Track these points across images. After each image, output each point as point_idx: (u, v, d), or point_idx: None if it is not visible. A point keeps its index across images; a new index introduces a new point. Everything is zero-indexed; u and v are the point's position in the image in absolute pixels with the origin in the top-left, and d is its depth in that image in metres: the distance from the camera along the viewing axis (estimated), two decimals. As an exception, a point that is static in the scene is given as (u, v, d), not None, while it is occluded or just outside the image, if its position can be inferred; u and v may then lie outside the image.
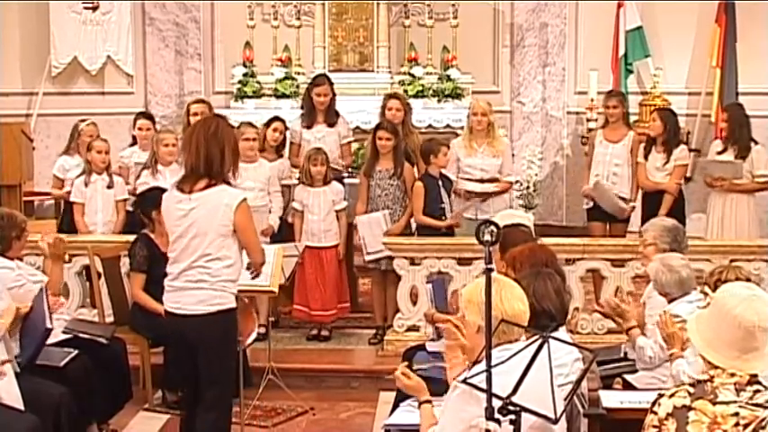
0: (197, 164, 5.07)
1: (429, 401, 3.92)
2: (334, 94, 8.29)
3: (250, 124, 8.09)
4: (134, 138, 8.59)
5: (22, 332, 5.51)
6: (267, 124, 8.18)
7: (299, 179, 7.99)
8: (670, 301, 5.31)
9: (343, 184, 8.14)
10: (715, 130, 8.54)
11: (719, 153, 8.40)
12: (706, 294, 4.50)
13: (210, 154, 5.04)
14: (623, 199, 8.33)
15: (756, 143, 8.44)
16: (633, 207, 8.41)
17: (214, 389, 5.17)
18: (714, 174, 8.30)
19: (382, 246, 7.62)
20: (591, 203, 8.48)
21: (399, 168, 7.78)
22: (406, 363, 4.39)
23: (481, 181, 7.95)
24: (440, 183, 7.73)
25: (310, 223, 7.84)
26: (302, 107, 8.51)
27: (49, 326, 5.46)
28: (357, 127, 8.82)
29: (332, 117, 8.25)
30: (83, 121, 8.76)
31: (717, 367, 3.22)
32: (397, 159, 7.79)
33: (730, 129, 8.34)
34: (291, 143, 8.31)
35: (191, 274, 5.09)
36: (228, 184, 5.12)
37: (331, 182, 7.89)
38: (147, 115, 8.90)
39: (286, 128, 8.22)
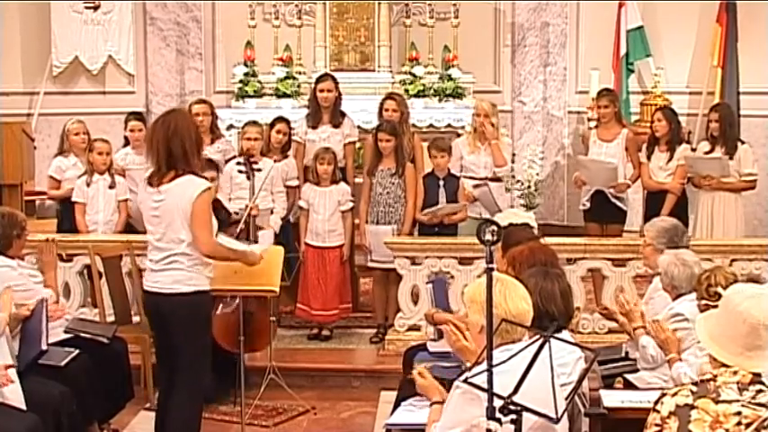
0: (160, 162, 5.33)
1: (440, 402, 3.93)
2: (340, 94, 8.29)
3: (254, 123, 8.08)
4: (126, 139, 8.59)
5: (21, 335, 5.52)
6: (271, 125, 8.18)
7: (306, 178, 7.98)
8: (675, 298, 5.31)
9: (348, 182, 8.14)
10: (707, 129, 8.56)
11: (707, 153, 8.41)
12: (719, 295, 4.51)
13: (174, 152, 5.29)
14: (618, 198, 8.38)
15: (743, 142, 8.46)
16: (629, 185, 8.45)
17: (191, 371, 5.38)
18: (701, 171, 8.32)
19: (387, 257, 7.68)
20: (587, 204, 8.51)
21: (401, 168, 7.80)
22: (425, 364, 4.40)
23: (485, 179, 8.02)
24: (440, 183, 7.75)
25: (315, 222, 7.85)
26: (308, 107, 8.49)
27: (44, 347, 5.50)
28: (358, 126, 8.82)
29: (337, 118, 8.25)
30: (70, 120, 8.73)
31: (720, 366, 3.23)
32: (398, 159, 7.81)
33: (722, 128, 8.34)
34: (296, 142, 8.30)
35: (169, 258, 5.33)
36: (195, 173, 5.35)
37: (339, 182, 7.89)
38: (139, 116, 8.88)
39: (290, 128, 8.21)
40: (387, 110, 8.13)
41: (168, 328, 5.37)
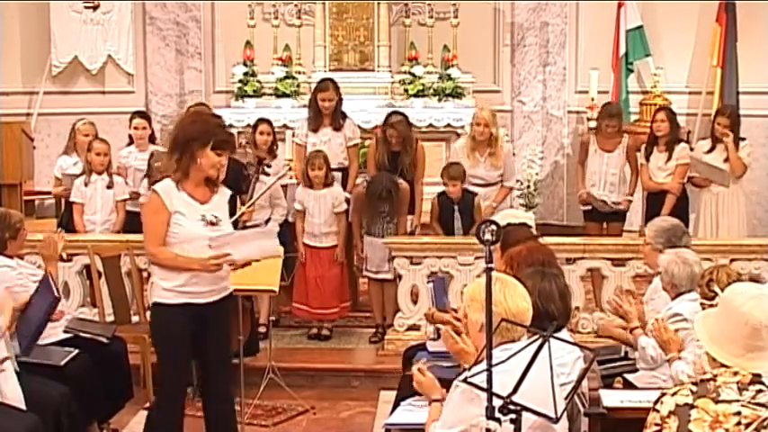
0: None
1: (439, 400, 3.93)
2: (341, 98, 8.23)
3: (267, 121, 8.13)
4: (131, 137, 8.61)
5: (18, 328, 5.50)
6: (254, 128, 8.20)
7: (298, 182, 7.96)
8: (674, 297, 5.31)
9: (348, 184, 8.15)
10: (712, 129, 8.56)
11: (707, 152, 8.40)
12: (715, 294, 4.51)
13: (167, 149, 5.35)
14: (616, 203, 8.42)
15: (743, 139, 8.46)
16: (630, 201, 8.45)
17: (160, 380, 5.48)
18: (702, 174, 8.34)
19: (381, 267, 7.76)
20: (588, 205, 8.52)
21: (395, 194, 7.76)
22: (424, 360, 4.39)
23: (484, 185, 8.06)
24: (455, 207, 7.79)
25: (310, 224, 7.86)
26: (308, 108, 8.44)
27: (56, 295, 5.44)
28: (358, 126, 8.80)
29: (338, 121, 8.21)
30: (81, 120, 8.77)
31: (720, 366, 3.22)
32: (392, 192, 7.74)
33: (732, 130, 8.34)
34: (297, 145, 8.29)
35: None
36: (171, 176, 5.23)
37: (332, 184, 7.87)
38: (143, 114, 8.91)
39: (273, 128, 8.23)
40: (391, 136, 7.99)
41: None
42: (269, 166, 7.47)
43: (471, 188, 7.94)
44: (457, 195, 7.81)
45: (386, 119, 8.19)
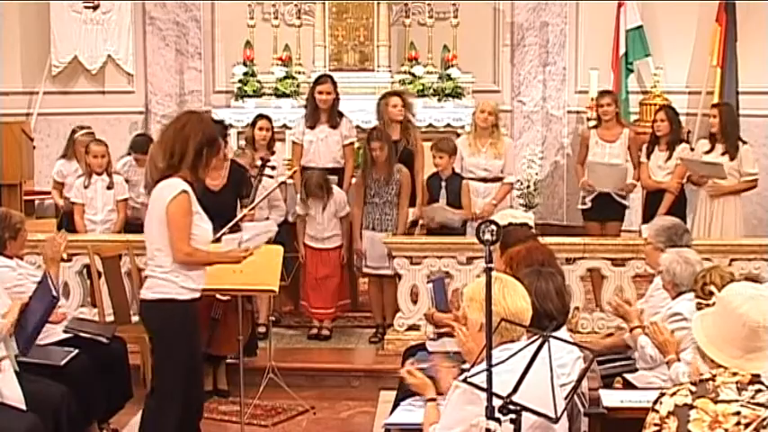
0: (163, 159, 5.15)
1: (434, 400, 3.93)
2: (338, 96, 8.24)
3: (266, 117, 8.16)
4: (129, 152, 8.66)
5: (17, 328, 5.49)
6: (252, 124, 8.20)
7: (301, 198, 7.94)
8: (675, 296, 5.31)
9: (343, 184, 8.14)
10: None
11: (706, 153, 8.38)
12: (712, 294, 4.51)
13: (173, 149, 5.09)
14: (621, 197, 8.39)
15: (744, 143, 8.43)
16: (634, 185, 8.46)
17: (158, 379, 5.34)
18: (699, 172, 8.34)
19: (380, 263, 7.75)
20: (588, 204, 8.50)
21: (392, 175, 7.77)
22: (412, 360, 4.38)
23: (485, 180, 8.02)
24: (443, 183, 7.76)
25: (314, 228, 7.89)
26: (306, 107, 8.47)
27: (54, 294, 5.43)
28: (357, 126, 8.81)
29: (334, 119, 8.21)
30: (81, 127, 8.74)
31: (719, 366, 3.22)
32: (390, 167, 7.76)
33: (721, 125, 8.30)
34: (294, 143, 8.30)
35: (150, 263, 5.22)
36: (182, 176, 5.08)
37: (331, 193, 7.84)
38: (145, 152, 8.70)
39: (271, 124, 8.24)
40: (395, 106, 8.06)
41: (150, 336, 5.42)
42: (273, 168, 7.47)
43: (473, 183, 7.95)
44: (445, 169, 7.77)
45: (392, 91, 8.30)
